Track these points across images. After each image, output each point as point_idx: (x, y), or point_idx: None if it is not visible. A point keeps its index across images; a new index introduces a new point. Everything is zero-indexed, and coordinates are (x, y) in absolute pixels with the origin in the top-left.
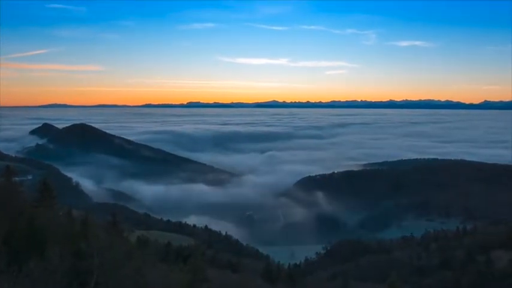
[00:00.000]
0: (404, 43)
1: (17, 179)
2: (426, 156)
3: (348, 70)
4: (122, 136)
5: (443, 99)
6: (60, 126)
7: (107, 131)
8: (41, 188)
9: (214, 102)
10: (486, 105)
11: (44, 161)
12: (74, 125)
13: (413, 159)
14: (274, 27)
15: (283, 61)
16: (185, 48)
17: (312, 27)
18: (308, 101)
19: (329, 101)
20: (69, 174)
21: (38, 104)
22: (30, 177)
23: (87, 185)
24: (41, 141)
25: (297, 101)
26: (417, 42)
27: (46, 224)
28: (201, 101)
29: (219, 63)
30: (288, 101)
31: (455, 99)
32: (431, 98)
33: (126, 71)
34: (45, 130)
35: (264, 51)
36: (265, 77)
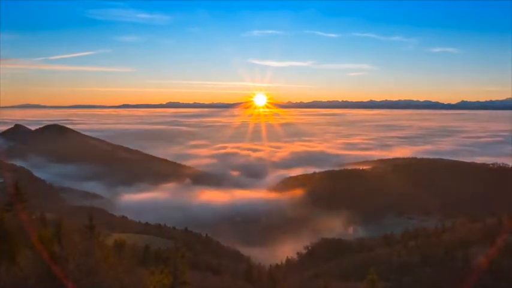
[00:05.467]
0: (437, 49)
1: None
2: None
3: (368, 72)
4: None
5: (422, 99)
6: (33, 127)
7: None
8: (12, 191)
9: (194, 103)
10: (463, 105)
11: (15, 164)
12: (47, 126)
13: (393, 159)
14: (329, 35)
15: (307, 63)
16: (224, 53)
17: (365, 34)
18: (289, 102)
19: (311, 101)
20: (42, 177)
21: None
22: (0, 180)
23: (61, 187)
24: (12, 143)
25: (279, 101)
26: (449, 49)
27: (17, 228)
28: (180, 101)
29: (248, 65)
30: (271, 100)
31: (433, 99)
32: (411, 98)
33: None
34: (16, 131)
35: (295, 54)
36: (276, 78)
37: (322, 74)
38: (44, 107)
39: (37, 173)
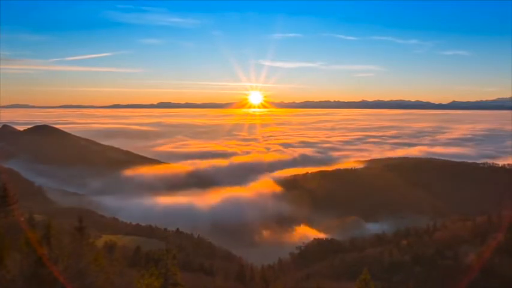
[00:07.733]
0: (449, 52)
1: None
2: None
3: (375, 74)
4: (87, 138)
5: (413, 99)
6: (21, 127)
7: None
8: (0, 192)
9: (186, 103)
10: (454, 106)
11: (3, 165)
12: (36, 127)
13: (385, 158)
14: (347, 37)
15: (316, 64)
16: (236, 55)
17: (383, 37)
18: (282, 102)
19: (303, 101)
20: (31, 178)
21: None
22: None
23: (50, 188)
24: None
25: (272, 101)
26: (461, 52)
27: (5, 230)
28: (172, 101)
29: (256, 67)
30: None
31: (425, 100)
32: (402, 99)
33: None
34: (4, 132)
35: (307, 56)
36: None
37: (327, 75)
38: (33, 107)
39: (25, 174)
